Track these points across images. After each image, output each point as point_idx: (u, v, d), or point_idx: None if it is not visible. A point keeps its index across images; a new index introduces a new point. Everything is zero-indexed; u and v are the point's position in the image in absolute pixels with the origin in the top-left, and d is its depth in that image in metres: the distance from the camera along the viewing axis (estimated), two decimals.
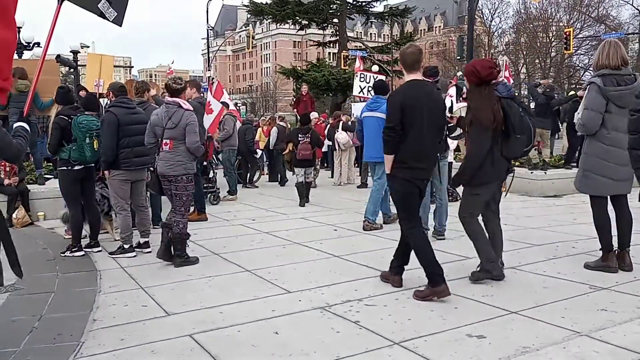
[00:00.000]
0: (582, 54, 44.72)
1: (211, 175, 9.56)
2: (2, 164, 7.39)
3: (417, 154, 4.23)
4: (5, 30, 1.54)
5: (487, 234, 4.64)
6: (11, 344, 3.37)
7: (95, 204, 6.07)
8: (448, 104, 6.25)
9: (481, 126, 4.37)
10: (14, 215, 7.42)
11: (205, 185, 8.64)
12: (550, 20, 48.15)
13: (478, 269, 4.58)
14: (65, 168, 5.69)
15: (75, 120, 5.64)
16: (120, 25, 5.90)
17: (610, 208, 4.90)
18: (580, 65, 46.20)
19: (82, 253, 5.72)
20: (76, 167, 5.67)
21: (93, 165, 5.84)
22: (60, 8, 5.48)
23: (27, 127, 3.74)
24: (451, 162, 9.40)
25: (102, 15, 5.74)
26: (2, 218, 3.27)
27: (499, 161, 4.44)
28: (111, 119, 5.65)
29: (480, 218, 4.74)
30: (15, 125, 3.77)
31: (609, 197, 4.88)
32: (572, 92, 13.66)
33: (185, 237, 5.47)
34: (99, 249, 5.93)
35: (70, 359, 3.20)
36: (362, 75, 12.09)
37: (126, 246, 5.74)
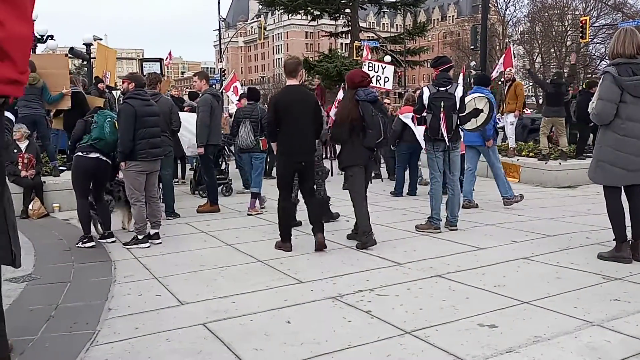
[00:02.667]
0: (598, 43, 44.01)
1: (223, 167, 9.62)
2: (21, 155, 7.49)
3: (289, 144, 5.45)
4: (22, 24, 1.58)
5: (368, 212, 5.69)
6: (29, 332, 3.44)
7: (104, 197, 6.10)
8: (460, 95, 6.23)
9: (337, 120, 5.67)
10: (30, 207, 7.53)
11: (217, 177, 8.68)
12: (566, 8, 47.43)
13: (352, 231, 5.87)
14: (80, 154, 5.77)
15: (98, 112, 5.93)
16: None
17: (624, 198, 4.87)
18: (596, 54, 45.54)
19: (92, 244, 5.77)
20: (91, 155, 5.72)
21: (109, 161, 5.88)
22: None
23: (12, 118, 3.75)
24: (464, 153, 9.39)
25: None
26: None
27: (359, 149, 5.55)
28: (129, 110, 5.73)
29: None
30: None
31: (622, 187, 4.85)
32: (587, 82, 13.46)
33: (327, 200, 6.94)
34: (113, 239, 6.01)
35: (86, 346, 3.26)
36: (371, 65, 11.99)
37: (140, 237, 5.81)
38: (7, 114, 3.74)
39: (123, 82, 6.53)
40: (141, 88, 6.04)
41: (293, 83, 5.61)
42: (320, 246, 5.42)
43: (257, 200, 7.75)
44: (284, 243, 5.55)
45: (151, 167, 5.94)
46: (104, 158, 5.82)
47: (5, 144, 3.46)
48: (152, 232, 5.95)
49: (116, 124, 5.77)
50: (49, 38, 19.85)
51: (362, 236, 5.54)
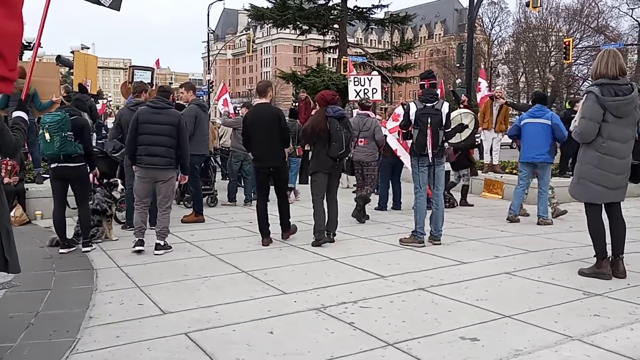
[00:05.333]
0: (581, 64, 44.95)
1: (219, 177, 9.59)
2: (4, 162, 7.42)
3: (258, 152, 6.47)
4: (12, 21, 1.57)
5: (327, 213, 6.38)
6: (8, 339, 3.39)
7: (85, 206, 6.01)
8: (446, 111, 6.31)
9: (307, 130, 6.46)
10: (11, 214, 7.44)
11: (203, 187, 8.67)
12: (550, 29, 48.39)
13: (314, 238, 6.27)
14: (48, 166, 5.97)
15: None
16: (119, 10, 5.89)
17: (604, 216, 4.95)
18: (579, 75, 46.41)
19: (66, 250, 5.80)
20: (52, 165, 5.83)
21: (77, 165, 5.80)
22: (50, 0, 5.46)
23: (26, 117, 3.74)
24: (449, 170, 9.47)
25: (97, 1, 5.74)
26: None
27: (324, 158, 6.33)
28: (133, 117, 6.09)
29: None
30: (14, 115, 3.75)
31: (603, 205, 4.93)
32: (569, 102, 13.67)
33: (368, 201, 7.95)
34: (93, 247, 5.97)
35: (66, 354, 3.22)
36: (356, 79, 12.00)
37: (136, 239, 5.90)
38: (20, 113, 3.69)
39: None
40: (159, 97, 6.17)
41: (262, 101, 6.54)
42: (284, 237, 6.47)
43: (292, 192, 9.48)
44: (262, 238, 6.36)
45: (149, 175, 5.94)
46: (67, 164, 5.76)
47: (16, 147, 3.48)
48: (156, 242, 5.91)
49: (46, 135, 5.64)
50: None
51: (316, 234, 6.25)
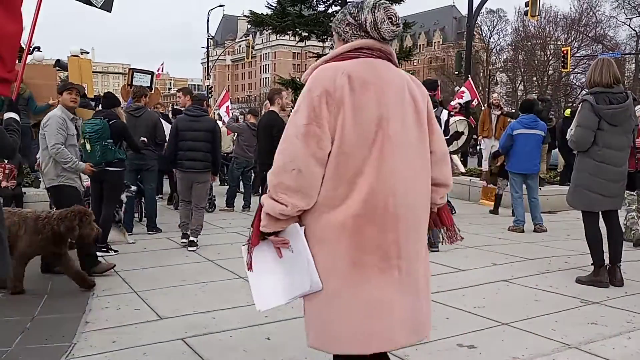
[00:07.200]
0: (579, 73, 45.04)
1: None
2: (2, 165, 7.39)
3: (258, 154, 7.12)
4: (10, 22, 1.54)
5: None
6: (3, 344, 3.37)
7: (110, 209, 6.05)
8: (444, 118, 6.35)
9: None
10: None
11: None
12: (548, 38, 48.55)
13: None
14: None
15: None
16: (110, 11, 5.90)
17: (602, 224, 4.96)
18: (577, 83, 46.56)
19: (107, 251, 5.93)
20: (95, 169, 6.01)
21: (115, 170, 5.88)
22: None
23: (18, 118, 3.76)
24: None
25: (88, 2, 5.76)
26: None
27: None
28: (173, 125, 6.76)
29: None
30: (5, 116, 3.75)
31: (600, 212, 4.94)
32: (568, 110, 13.72)
33: None
34: (110, 254, 5.93)
35: (61, 359, 3.20)
36: None
37: (183, 232, 6.50)
38: (12, 114, 3.70)
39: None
40: (195, 105, 6.79)
41: (270, 109, 6.88)
42: None
43: None
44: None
45: (190, 177, 6.52)
46: (106, 168, 5.83)
47: (14, 148, 3.50)
48: (190, 238, 6.41)
49: (87, 145, 5.77)
50: (36, 49, 19.70)
51: None
